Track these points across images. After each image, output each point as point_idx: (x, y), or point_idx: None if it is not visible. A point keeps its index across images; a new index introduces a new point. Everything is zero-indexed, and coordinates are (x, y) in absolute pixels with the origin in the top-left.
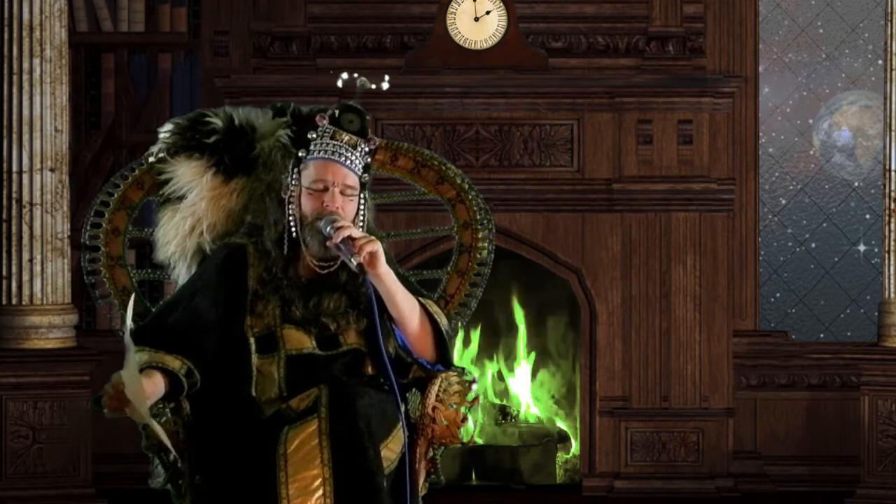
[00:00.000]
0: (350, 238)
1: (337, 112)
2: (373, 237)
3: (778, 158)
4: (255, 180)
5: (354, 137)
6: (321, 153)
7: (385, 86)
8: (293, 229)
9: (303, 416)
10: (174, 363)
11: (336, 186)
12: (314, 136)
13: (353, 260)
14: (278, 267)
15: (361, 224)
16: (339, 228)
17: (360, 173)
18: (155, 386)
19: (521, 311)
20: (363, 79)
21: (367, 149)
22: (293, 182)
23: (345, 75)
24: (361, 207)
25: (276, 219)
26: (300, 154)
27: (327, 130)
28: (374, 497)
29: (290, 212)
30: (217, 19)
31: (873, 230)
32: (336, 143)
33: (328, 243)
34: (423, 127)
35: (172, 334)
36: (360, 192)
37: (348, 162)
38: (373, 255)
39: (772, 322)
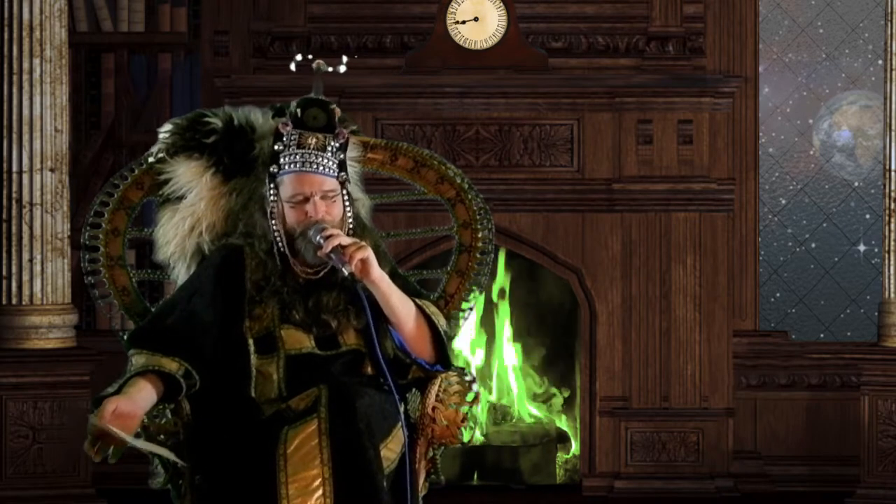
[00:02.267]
0: (340, 246)
1: (299, 110)
2: (363, 243)
3: (778, 158)
4: (254, 180)
5: (321, 137)
6: (292, 166)
7: (342, 69)
8: (279, 243)
9: (302, 416)
10: (171, 365)
11: (315, 195)
12: (281, 147)
13: (344, 269)
14: (275, 275)
15: (350, 221)
16: (328, 238)
17: (335, 174)
18: (144, 400)
19: (512, 310)
20: (320, 62)
21: (336, 145)
22: (272, 197)
23: (298, 57)
24: (346, 205)
25: (264, 231)
26: (272, 170)
27: (293, 137)
28: (374, 497)
29: (275, 227)
30: (217, 19)
31: (873, 230)
32: (304, 151)
33: (319, 253)
34: (423, 127)
35: (170, 336)
36: (342, 189)
37: (321, 168)
38: (364, 261)
39: (772, 322)
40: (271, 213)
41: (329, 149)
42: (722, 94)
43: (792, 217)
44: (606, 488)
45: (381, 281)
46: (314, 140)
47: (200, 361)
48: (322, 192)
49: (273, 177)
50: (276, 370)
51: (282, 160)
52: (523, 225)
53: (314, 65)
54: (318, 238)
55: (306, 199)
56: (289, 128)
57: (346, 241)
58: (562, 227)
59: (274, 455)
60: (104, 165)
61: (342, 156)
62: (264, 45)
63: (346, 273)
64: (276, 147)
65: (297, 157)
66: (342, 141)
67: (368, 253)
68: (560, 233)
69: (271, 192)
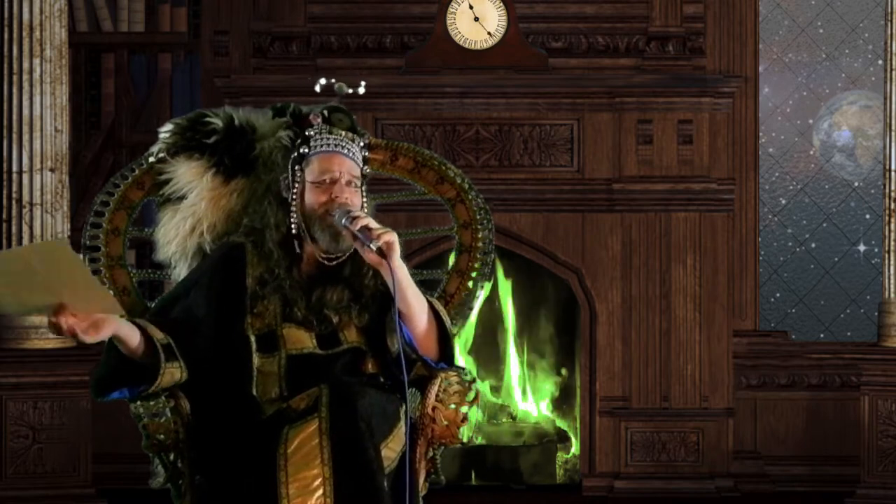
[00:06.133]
0: (367, 228)
1: (326, 112)
2: (389, 229)
3: (778, 158)
4: (254, 180)
5: (349, 133)
6: (324, 146)
7: (361, 90)
8: (294, 228)
9: (303, 416)
10: (157, 334)
11: (343, 177)
12: (311, 132)
13: (372, 245)
14: (281, 268)
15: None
16: (355, 218)
17: (361, 165)
18: (131, 328)
19: (512, 309)
20: (341, 84)
21: (362, 143)
22: (296, 179)
23: (323, 80)
24: (364, 200)
25: (277, 220)
26: (302, 150)
27: (324, 127)
28: (375, 496)
29: (293, 209)
30: (217, 19)
31: (873, 230)
32: (336, 136)
33: (344, 232)
34: (423, 127)
35: (168, 330)
36: (362, 184)
37: (351, 153)
38: (389, 244)
39: (772, 322)
40: (292, 196)
41: (357, 142)
42: (722, 94)
43: (792, 217)
44: (606, 488)
45: (400, 269)
46: (343, 132)
47: (194, 358)
48: (350, 175)
49: (300, 158)
50: (277, 369)
51: (312, 142)
52: (523, 225)
53: (336, 87)
54: (344, 220)
55: (333, 182)
56: (319, 120)
57: (373, 224)
58: (562, 227)
59: (274, 454)
60: (104, 165)
61: (366, 153)
62: (264, 45)
63: (374, 249)
64: (307, 132)
65: (330, 139)
66: (366, 142)
67: (394, 237)
68: (560, 233)
69: (296, 174)
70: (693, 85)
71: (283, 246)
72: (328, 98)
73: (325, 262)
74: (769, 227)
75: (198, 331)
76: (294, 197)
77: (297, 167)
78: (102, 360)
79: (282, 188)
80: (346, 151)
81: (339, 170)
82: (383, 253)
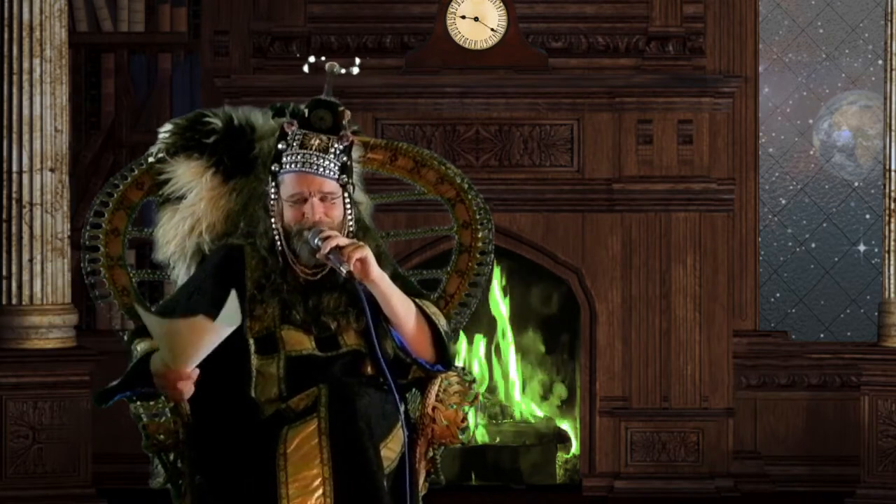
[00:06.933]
0: (338, 248)
1: (307, 111)
2: (361, 243)
3: (778, 158)
4: (254, 180)
5: (325, 139)
6: (292, 165)
7: (355, 70)
8: (278, 242)
9: (302, 416)
10: None
11: (314, 196)
12: (284, 146)
13: (342, 269)
14: (276, 272)
15: (351, 224)
16: (325, 239)
17: (336, 177)
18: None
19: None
20: (333, 63)
21: (340, 147)
22: (273, 195)
23: (312, 59)
24: (348, 208)
25: (265, 228)
26: (274, 168)
27: (297, 137)
28: (375, 496)
29: (274, 224)
30: (217, 19)
31: (873, 230)
32: (306, 152)
33: (318, 255)
34: (423, 127)
35: None
36: (343, 192)
37: (321, 170)
38: (363, 261)
39: (772, 322)
40: (271, 210)
41: (332, 151)
42: (722, 94)
43: (792, 217)
44: (606, 488)
45: (380, 280)
46: (317, 141)
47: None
48: (321, 193)
49: (275, 175)
50: (276, 370)
51: (284, 159)
52: (523, 225)
53: (327, 66)
54: (315, 241)
55: (304, 200)
56: (294, 127)
57: (343, 241)
58: (562, 227)
59: (274, 455)
60: (104, 165)
61: (345, 159)
62: (264, 45)
63: (344, 272)
64: (279, 146)
65: (299, 157)
66: (346, 144)
67: (366, 252)
68: (560, 233)
69: (272, 190)
70: (693, 85)
71: (273, 252)
72: (340, 95)
73: (311, 278)
74: (769, 227)
75: None
76: (273, 211)
77: (273, 183)
78: (122, 379)
79: (266, 198)
80: (314, 169)
81: (307, 190)
82: (352, 276)
